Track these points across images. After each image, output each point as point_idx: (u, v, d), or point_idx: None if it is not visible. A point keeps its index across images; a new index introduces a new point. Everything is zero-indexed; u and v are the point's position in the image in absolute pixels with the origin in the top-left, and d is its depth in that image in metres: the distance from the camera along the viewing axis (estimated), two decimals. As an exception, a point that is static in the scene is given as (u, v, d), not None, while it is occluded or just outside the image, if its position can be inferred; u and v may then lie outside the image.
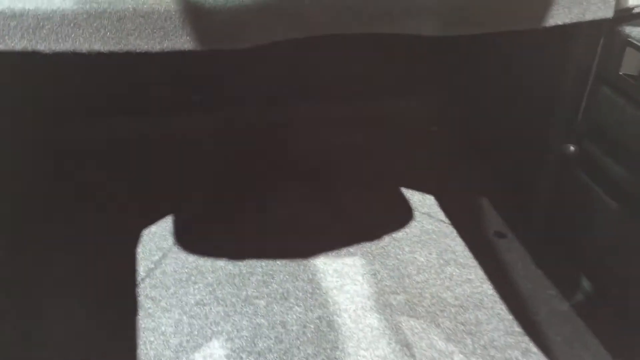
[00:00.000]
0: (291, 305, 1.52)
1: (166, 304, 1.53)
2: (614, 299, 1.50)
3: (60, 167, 2.04)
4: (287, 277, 1.62)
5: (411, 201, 1.93)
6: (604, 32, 1.41)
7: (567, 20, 1.17)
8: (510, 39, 1.46)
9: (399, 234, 1.79)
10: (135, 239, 1.73)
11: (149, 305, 1.52)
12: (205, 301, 1.54)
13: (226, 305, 1.52)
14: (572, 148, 1.46)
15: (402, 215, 1.87)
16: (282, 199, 1.93)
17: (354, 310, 1.52)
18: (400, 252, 1.72)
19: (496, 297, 1.57)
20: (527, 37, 1.43)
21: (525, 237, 1.78)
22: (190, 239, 1.74)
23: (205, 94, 2.25)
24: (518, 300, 1.57)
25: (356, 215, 1.86)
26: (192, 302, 1.54)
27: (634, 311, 1.43)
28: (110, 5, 1.04)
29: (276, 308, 1.51)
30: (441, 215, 1.88)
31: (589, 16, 1.19)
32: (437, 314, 1.51)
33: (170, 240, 1.73)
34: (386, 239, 1.77)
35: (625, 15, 1.33)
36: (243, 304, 1.53)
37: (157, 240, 1.73)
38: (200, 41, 1.05)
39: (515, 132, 1.90)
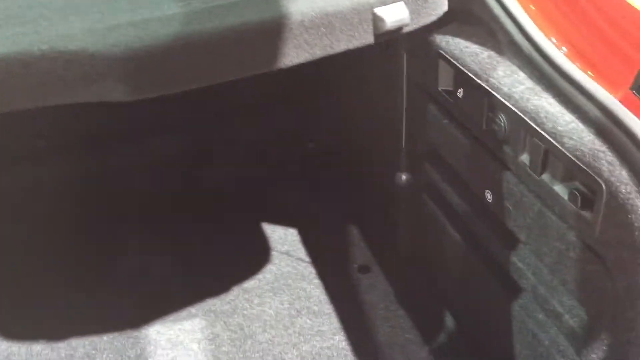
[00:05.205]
0: (108, 393, 1.34)
1: (-38, 410, 1.33)
2: (476, 341, 1.35)
3: None
4: (112, 355, 1.41)
5: (271, 239, 1.75)
6: (420, 45, 1.24)
7: (309, 57, 0.98)
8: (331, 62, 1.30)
9: (250, 283, 1.61)
10: None
11: (-59, 415, 1.31)
12: (8, 401, 1.34)
13: (32, 404, 1.33)
14: (403, 177, 1.30)
15: (257, 259, 1.67)
16: (115, 254, 1.67)
17: (182, 390, 1.34)
18: (248, 306, 1.53)
19: (348, 350, 1.40)
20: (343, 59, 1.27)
21: (390, 272, 1.62)
22: (5, 319, 1.51)
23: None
24: (372, 350, 1.41)
25: (203, 265, 1.65)
26: (-7, 404, 1.34)
27: (491, 357, 1.28)
28: None
29: (90, 399, 1.33)
30: (302, 252, 1.70)
31: (339, 47, 1.00)
32: (277, 382, 1.35)
33: (-17, 324, 1.52)
34: (235, 291, 1.59)
35: (436, 23, 1.14)
36: (53, 399, 1.34)
37: (-32, 327, 1.52)
38: None
39: (366, 155, 1.73)
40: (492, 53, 1.07)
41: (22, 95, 0.86)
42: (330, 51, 0.97)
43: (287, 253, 1.69)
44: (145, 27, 0.89)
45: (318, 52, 0.96)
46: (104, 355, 1.40)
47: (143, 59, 0.86)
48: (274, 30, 0.91)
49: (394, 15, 0.97)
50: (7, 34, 0.89)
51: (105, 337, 1.45)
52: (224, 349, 1.41)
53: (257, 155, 2.04)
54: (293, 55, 0.94)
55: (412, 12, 1.02)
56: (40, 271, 1.64)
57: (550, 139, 0.89)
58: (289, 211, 1.84)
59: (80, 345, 1.43)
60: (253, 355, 1.39)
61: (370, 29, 0.99)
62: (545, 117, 0.91)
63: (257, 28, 0.90)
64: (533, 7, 1.02)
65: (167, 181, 1.91)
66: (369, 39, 1.00)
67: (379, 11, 1.01)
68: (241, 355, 1.39)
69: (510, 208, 1.05)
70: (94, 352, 1.41)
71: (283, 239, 1.74)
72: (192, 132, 1.96)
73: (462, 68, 1.09)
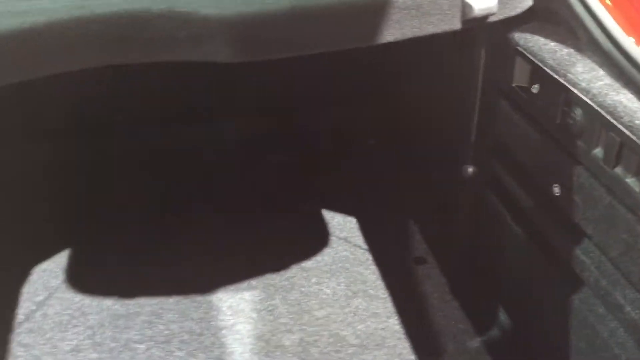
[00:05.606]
0: (172, 349, 1.40)
1: (39, 351, 1.41)
2: (529, 335, 1.37)
3: None
4: (176, 316, 1.49)
5: (330, 225, 1.80)
6: (497, 40, 1.26)
7: (399, 37, 1.03)
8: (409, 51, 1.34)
9: (308, 263, 1.66)
10: (22, 276, 1.63)
11: (19, 354, 1.40)
12: (81, 347, 1.41)
13: (102, 352, 1.39)
14: (469, 170, 1.33)
15: (316, 242, 1.73)
16: (187, 225, 1.77)
17: (241, 354, 1.38)
18: (306, 284, 1.59)
19: (401, 333, 1.44)
20: (424, 47, 1.30)
21: (446, 264, 1.65)
22: (81, 275, 1.62)
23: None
24: (424, 336, 1.44)
25: (265, 243, 1.71)
26: (67, 348, 1.40)
27: (545, 351, 1.30)
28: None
29: (156, 353, 1.40)
30: (360, 240, 1.75)
31: (427, 30, 1.05)
32: (331, 356, 1.39)
33: (60, 277, 1.62)
34: (293, 269, 1.64)
35: (514, 20, 1.17)
36: (121, 350, 1.40)
37: (46, 278, 1.62)
38: None
39: (428, 150, 1.77)
40: (572, 50, 1.10)
41: (136, 49, 0.94)
42: (418, 33, 1.02)
43: (346, 239, 1.74)
44: None
45: (407, 33, 1.01)
46: (170, 315, 1.48)
47: (250, 25, 0.93)
48: (369, 8, 0.97)
49: (483, 3, 1.01)
50: None
51: (171, 299, 1.53)
52: (282, 320, 1.47)
53: (322, 147, 2.12)
54: (385, 33, 1.00)
55: (499, 1, 1.07)
56: (115, 233, 1.75)
57: (627, 132, 0.91)
58: (349, 200, 1.90)
59: (147, 304, 1.52)
60: (309, 329, 1.45)
61: (458, 14, 1.04)
62: (623, 111, 0.93)
63: (355, 4, 0.97)
64: (610, 3, 1.05)
65: (239, 161, 2.00)
66: (456, 24, 1.05)
67: (468, -2, 1.06)
68: (298, 328, 1.45)
69: (579, 201, 1.08)
70: (160, 311, 1.50)
71: (342, 226, 1.79)
72: (263, 120, 2.05)
73: (540, 64, 1.12)
